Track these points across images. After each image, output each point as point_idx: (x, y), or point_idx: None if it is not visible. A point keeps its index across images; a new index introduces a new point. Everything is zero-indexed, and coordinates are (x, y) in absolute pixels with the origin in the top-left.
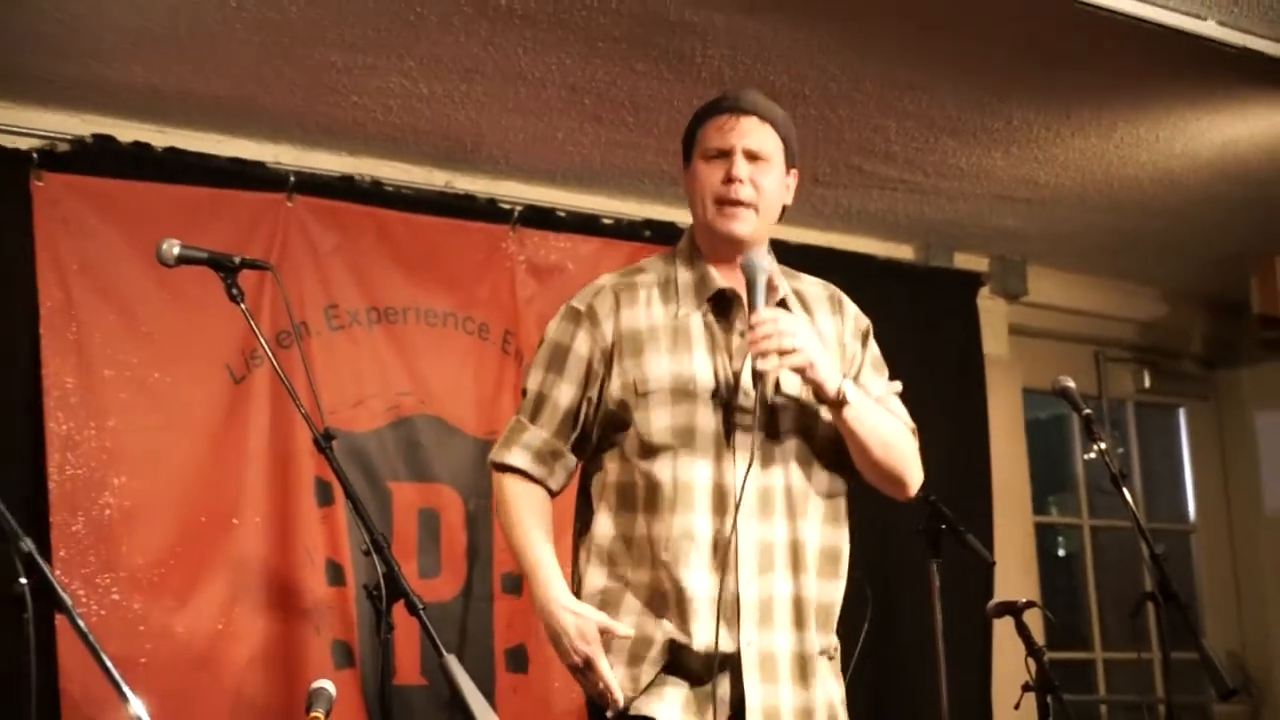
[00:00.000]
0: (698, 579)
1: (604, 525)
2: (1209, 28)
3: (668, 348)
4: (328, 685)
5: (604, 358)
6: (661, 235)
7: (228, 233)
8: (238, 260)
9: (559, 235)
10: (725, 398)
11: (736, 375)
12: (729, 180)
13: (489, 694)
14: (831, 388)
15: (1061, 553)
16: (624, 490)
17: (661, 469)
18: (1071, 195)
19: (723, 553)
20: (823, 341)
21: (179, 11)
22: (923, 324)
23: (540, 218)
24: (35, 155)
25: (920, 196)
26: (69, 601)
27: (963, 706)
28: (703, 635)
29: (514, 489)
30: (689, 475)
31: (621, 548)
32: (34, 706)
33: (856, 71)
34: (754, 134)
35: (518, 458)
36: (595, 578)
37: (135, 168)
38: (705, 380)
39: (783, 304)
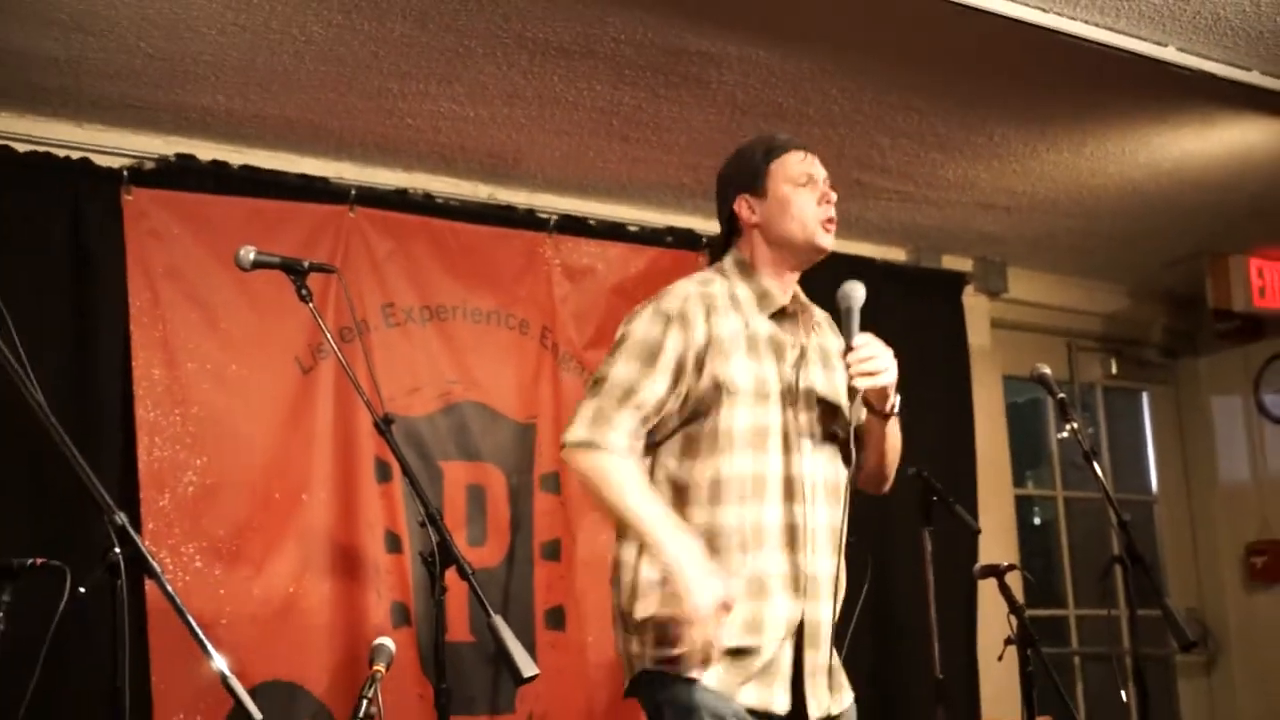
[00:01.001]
0: (773, 560)
1: (697, 517)
2: (1170, 53)
3: (747, 353)
4: (388, 642)
5: (696, 358)
6: (681, 241)
7: (296, 240)
8: (306, 264)
9: (590, 241)
10: (789, 400)
11: (794, 381)
12: (829, 201)
13: (530, 649)
14: (891, 403)
15: (1038, 521)
16: (701, 481)
17: (742, 462)
18: (1046, 203)
19: (793, 535)
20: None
21: (255, 46)
22: (913, 319)
23: (573, 226)
24: (125, 172)
25: (912, 205)
26: (158, 569)
27: (952, 658)
28: (779, 610)
29: (612, 461)
30: (763, 469)
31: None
32: (127, 663)
33: (855, 95)
34: (822, 169)
35: (616, 437)
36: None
37: (214, 183)
38: (775, 385)
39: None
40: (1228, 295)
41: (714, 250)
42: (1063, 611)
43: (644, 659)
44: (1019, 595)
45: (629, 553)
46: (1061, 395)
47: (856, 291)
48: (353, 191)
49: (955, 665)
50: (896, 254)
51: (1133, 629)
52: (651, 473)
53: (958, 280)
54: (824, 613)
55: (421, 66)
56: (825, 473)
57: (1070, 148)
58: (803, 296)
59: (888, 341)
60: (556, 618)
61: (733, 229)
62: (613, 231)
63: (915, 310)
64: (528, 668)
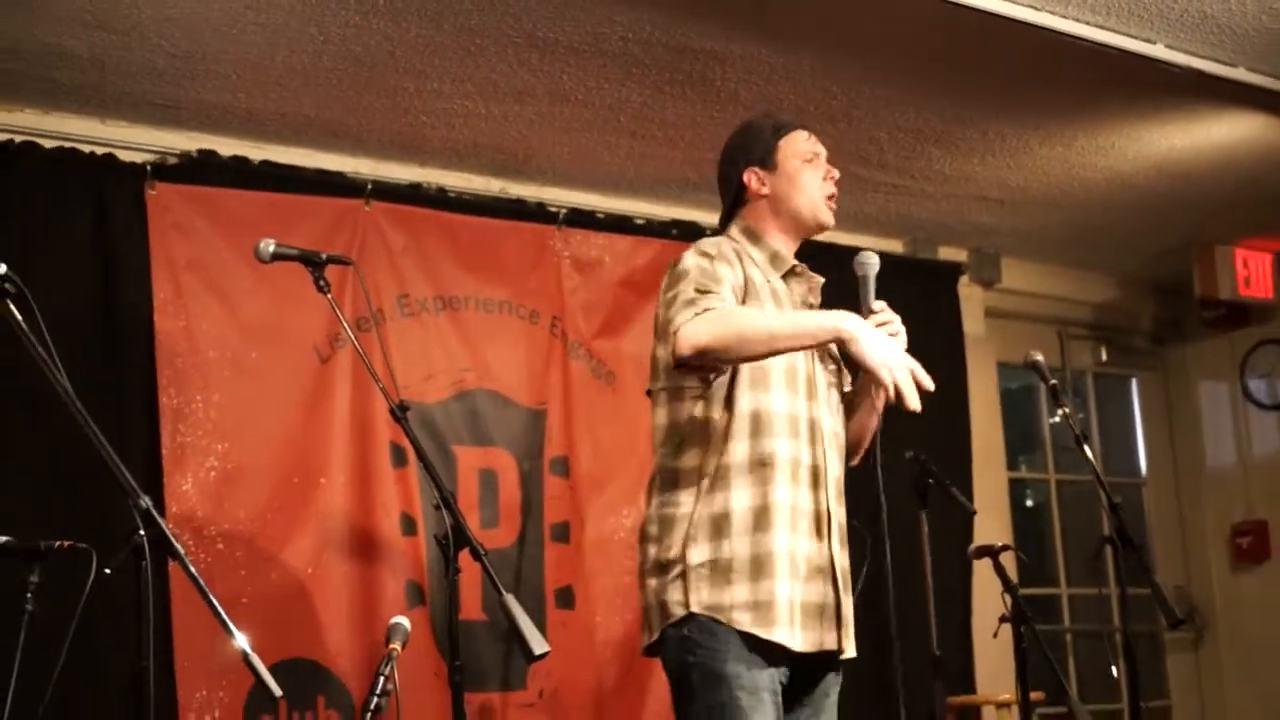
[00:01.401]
0: (805, 498)
1: (738, 450)
2: (1159, 50)
3: (771, 301)
4: (403, 621)
5: (741, 291)
6: (686, 233)
7: (314, 233)
8: (324, 256)
9: (598, 234)
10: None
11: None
12: (831, 179)
13: (540, 627)
14: None
15: (1030, 503)
16: (742, 419)
17: (779, 400)
18: (1039, 196)
19: (816, 477)
20: None
21: (275, 45)
22: (910, 308)
23: (582, 219)
24: (149, 168)
25: (908, 198)
26: (181, 550)
27: (948, 635)
28: (811, 546)
29: (727, 307)
30: (796, 410)
31: (749, 469)
32: (152, 640)
33: (853, 92)
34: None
35: (717, 300)
36: (740, 497)
37: (235, 178)
38: None
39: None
40: (1214, 284)
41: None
42: (1055, 590)
43: (690, 604)
44: (1013, 575)
45: (684, 503)
46: (1054, 382)
47: (872, 260)
48: (369, 186)
49: (951, 642)
50: (894, 245)
51: (1122, 607)
52: (676, 417)
53: (953, 271)
54: (846, 560)
55: (435, 65)
56: (835, 424)
57: (1062, 142)
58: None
59: None
60: (566, 597)
61: (738, 199)
62: (620, 224)
63: (912, 300)
64: (539, 645)
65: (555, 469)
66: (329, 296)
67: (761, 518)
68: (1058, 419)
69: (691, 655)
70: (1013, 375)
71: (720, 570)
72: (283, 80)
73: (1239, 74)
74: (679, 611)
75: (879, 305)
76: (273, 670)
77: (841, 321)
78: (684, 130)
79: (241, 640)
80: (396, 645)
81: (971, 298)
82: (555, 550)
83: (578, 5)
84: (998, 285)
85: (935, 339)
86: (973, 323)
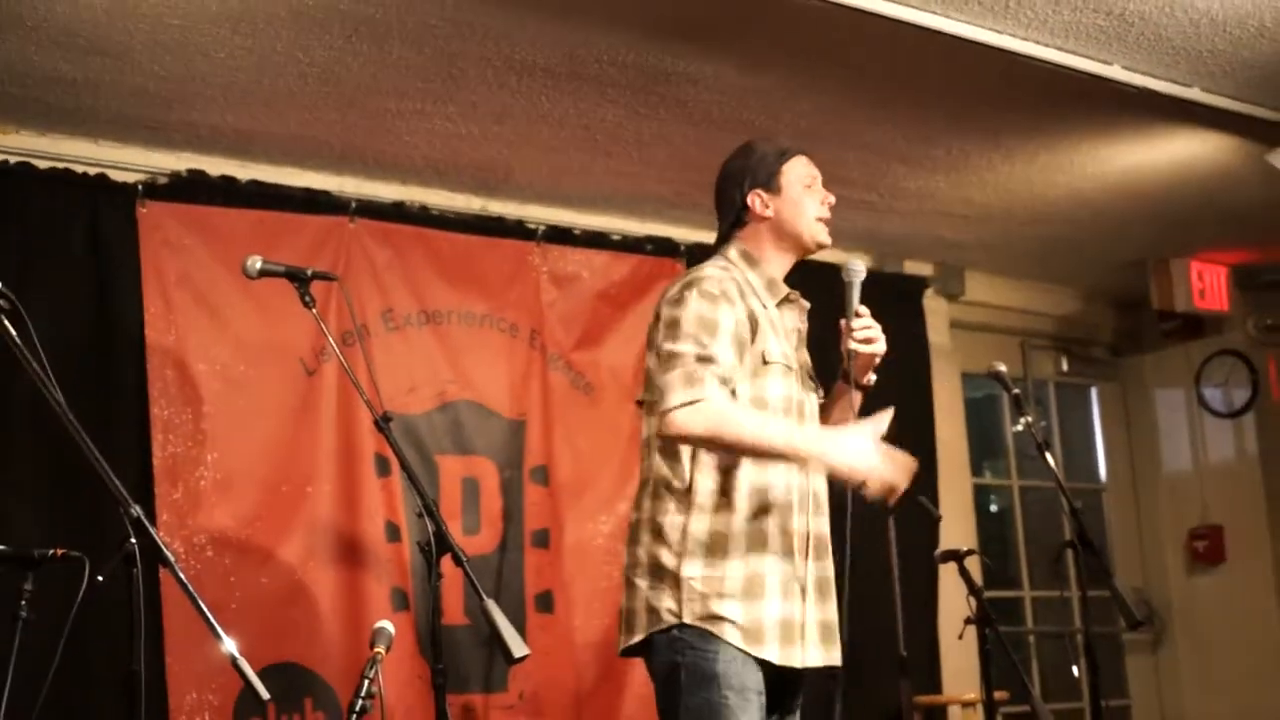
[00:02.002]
0: (799, 521)
1: (735, 473)
2: (1115, 71)
3: (773, 332)
4: (388, 625)
5: (748, 328)
6: (661, 248)
7: (300, 250)
8: (309, 272)
9: (575, 249)
10: (800, 378)
11: (802, 361)
12: (827, 203)
13: (520, 631)
14: (869, 377)
15: (994, 509)
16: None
17: None
18: (1001, 212)
19: (805, 499)
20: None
21: (261, 69)
22: (877, 320)
23: (560, 235)
24: (140, 187)
25: (875, 214)
26: (171, 558)
27: (915, 637)
28: (798, 566)
29: (721, 405)
30: None
31: (748, 494)
32: (143, 645)
33: (822, 112)
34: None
35: (712, 390)
36: (738, 519)
37: (223, 196)
38: (793, 362)
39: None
40: (1170, 297)
41: (718, 239)
42: (1018, 593)
43: (682, 615)
44: (977, 578)
45: (675, 514)
46: (1016, 391)
47: (858, 268)
48: (353, 204)
49: (918, 643)
50: (861, 260)
51: (1083, 609)
52: (675, 459)
53: (919, 284)
54: (828, 570)
55: (417, 87)
56: None
57: (1024, 160)
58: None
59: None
60: (546, 601)
61: (739, 220)
62: (596, 240)
63: (879, 312)
64: (519, 648)
65: (535, 477)
66: (314, 311)
67: (756, 540)
68: (1020, 427)
69: (681, 656)
70: (977, 385)
71: (714, 586)
72: (269, 102)
73: (1193, 94)
74: (670, 619)
75: (863, 310)
76: (261, 674)
77: (822, 447)
78: (658, 149)
79: (230, 645)
80: (381, 649)
81: (936, 310)
82: (535, 556)
83: (555, 29)
84: (962, 298)
85: (901, 350)
86: (938, 334)
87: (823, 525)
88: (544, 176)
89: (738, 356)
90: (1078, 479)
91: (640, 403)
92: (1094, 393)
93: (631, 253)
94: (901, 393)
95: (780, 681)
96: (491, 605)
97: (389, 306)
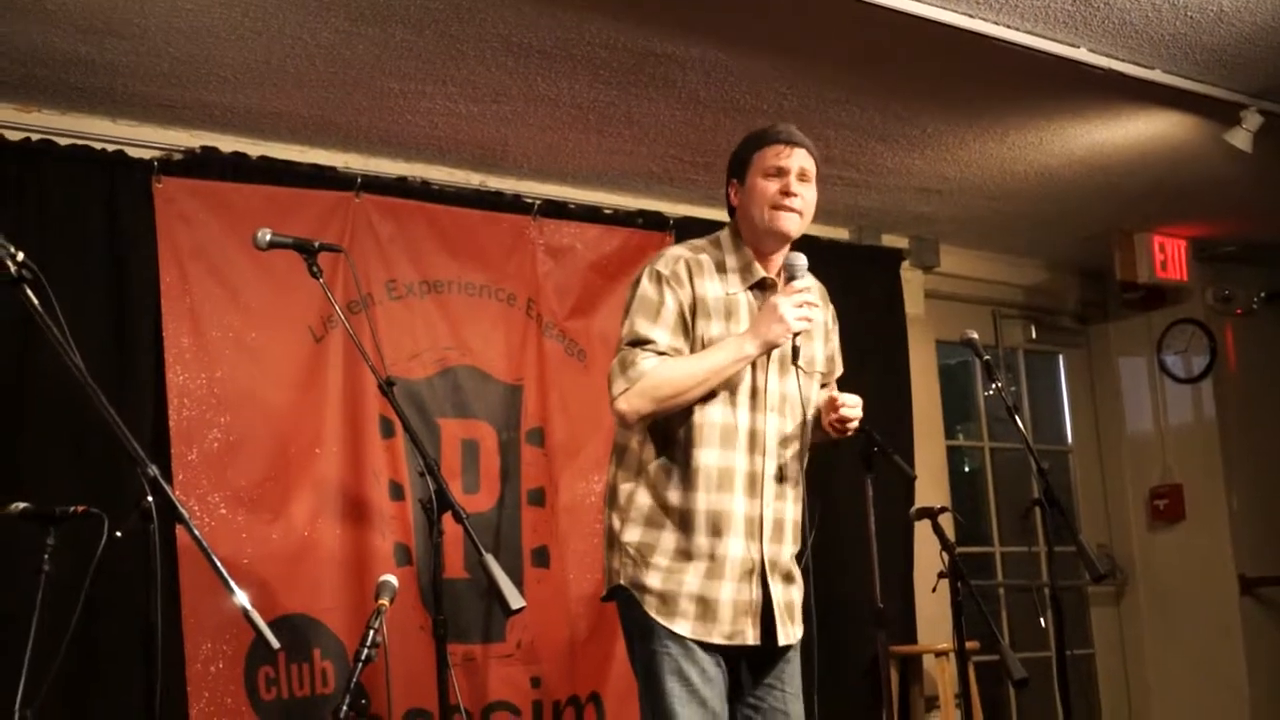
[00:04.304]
0: (737, 502)
1: (674, 452)
2: (1081, 54)
3: (725, 316)
4: (392, 579)
5: (690, 312)
6: (651, 222)
7: (308, 223)
8: (317, 245)
9: (570, 223)
10: (760, 363)
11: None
12: (788, 193)
13: (518, 584)
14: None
15: (966, 469)
16: (679, 424)
17: (713, 411)
18: (973, 188)
19: (753, 482)
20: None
21: (271, 50)
22: (856, 291)
23: (555, 209)
24: (155, 163)
25: (854, 189)
26: (187, 515)
27: (891, 590)
28: (739, 550)
29: (650, 371)
30: (732, 419)
31: (682, 472)
32: (159, 599)
33: (804, 93)
34: (804, 160)
35: (646, 365)
36: (672, 496)
37: (235, 172)
38: None
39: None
40: (1133, 268)
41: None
42: (989, 549)
43: (621, 576)
44: (950, 535)
45: (627, 483)
46: (987, 358)
47: (799, 260)
48: (358, 179)
49: (894, 596)
50: (841, 233)
51: (1050, 563)
52: (633, 430)
53: (895, 256)
54: (784, 553)
55: (419, 68)
56: (788, 429)
57: (994, 138)
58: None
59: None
60: (541, 556)
61: (730, 208)
62: (590, 214)
63: (858, 283)
64: (516, 600)
65: (531, 439)
66: (322, 281)
67: (685, 518)
68: (991, 392)
69: (631, 611)
70: (950, 352)
71: (643, 554)
72: (279, 82)
73: (1155, 75)
74: (615, 580)
75: (851, 400)
76: (271, 625)
77: (749, 337)
78: (648, 128)
79: (242, 598)
80: (385, 601)
81: (912, 281)
82: (532, 513)
83: (550, 13)
84: (936, 269)
85: (879, 319)
86: (913, 304)
87: (786, 511)
88: (540, 153)
89: (682, 336)
90: (1045, 441)
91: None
92: (1061, 359)
93: (623, 226)
94: (879, 359)
95: (756, 658)
96: (490, 560)
97: (392, 277)
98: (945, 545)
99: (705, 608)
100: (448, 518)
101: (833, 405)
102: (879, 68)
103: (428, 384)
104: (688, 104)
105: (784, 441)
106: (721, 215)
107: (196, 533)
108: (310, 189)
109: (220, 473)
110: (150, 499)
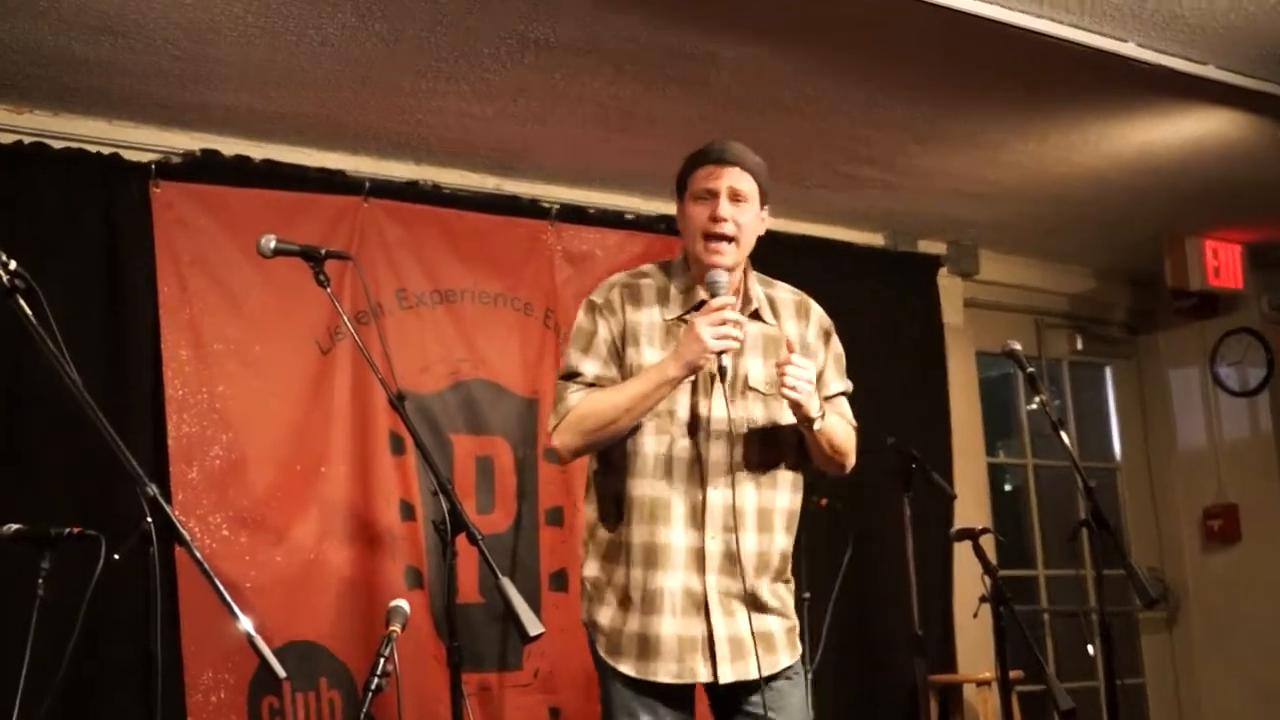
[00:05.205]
0: (677, 535)
1: (616, 484)
2: (1130, 48)
3: (660, 342)
4: (403, 604)
5: (620, 340)
6: (674, 228)
7: (314, 230)
8: (324, 252)
9: (590, 229)
10: (703, 389)
11: (713, 369)
12: (715, 219)
13: (535, 609)
14: (809, 416)
15: (1008, 487)
16: (619, 454)
17: (645, 443)
18: (1015, 190)
19: (696, 513)
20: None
21: (275, 48)
22: (892, 299)
23: (574, 214)
24: (153, 166)
25: (889, 192)
26: (188, 537)
27: (929, 615)
28: (675, 581)
29: (577, 406)
30: (667, 450)
31: (624, 505)
32: (159, 624)
33: (838, 90)
34: (736, 179)
35: (574, 399)
36: (615, 529)
37: (237, 176)
38: None
39: (756, 314)
40: (1184, 275)
41: None
42: (1033, 572)
43: (583, 613)
44: (992, 557)
45: (591, 516)
46: (1030, 370)
47: (718, 278)
48: (367, 183)
49: (933, 623)
50: (875, 239)
51: (1098, 587)
52: (590, 462)
53: (933, 263)
54: (746, 583)
55: (431, 65)
56: (747, 454)
57: (1037, 138)
58: (752, 289)
59: (867, 322)
60: (560, 580)
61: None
62: (611, 219)
63: (893, 292)
64: (534, 626)
65: (549, 456)
66: (329, 291)
67: (623, 552)
68: (1034, 406)
69: (591, 649)
70: (991, 364)
71: (598, 590)
72: (283, 81)
73: (1208, 71)
74: (581, 616)
75: (721, 303)
76: (276, 653)
77: (670, 361)
78: (674, 128)
79: (246, 623)
80: (396, 628)
81: (950, 289)
82: (550, 534)
83: (571, 6)
84: (976, 276)
85: (915, 329)
86: (952, 313)
87: (746, 541)
88: (558, 155)
89: (615, 365)
90: (1092, 458)
91: None
92: (1108, 371)
93: (645, 232)
94: (917, 372)
95: (727, 695)
96: (506, 583)
97: (403, 286)
98: (987, 568)
99: (645, 646)
100: (462, 539)
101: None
102: (916, 65)
103: (440, 398)
104: (718, 102)
105: (737, 468)
106: None
107: (198, 555)
108: (316, 193)
109: (222, 492)
110: (149, 520)
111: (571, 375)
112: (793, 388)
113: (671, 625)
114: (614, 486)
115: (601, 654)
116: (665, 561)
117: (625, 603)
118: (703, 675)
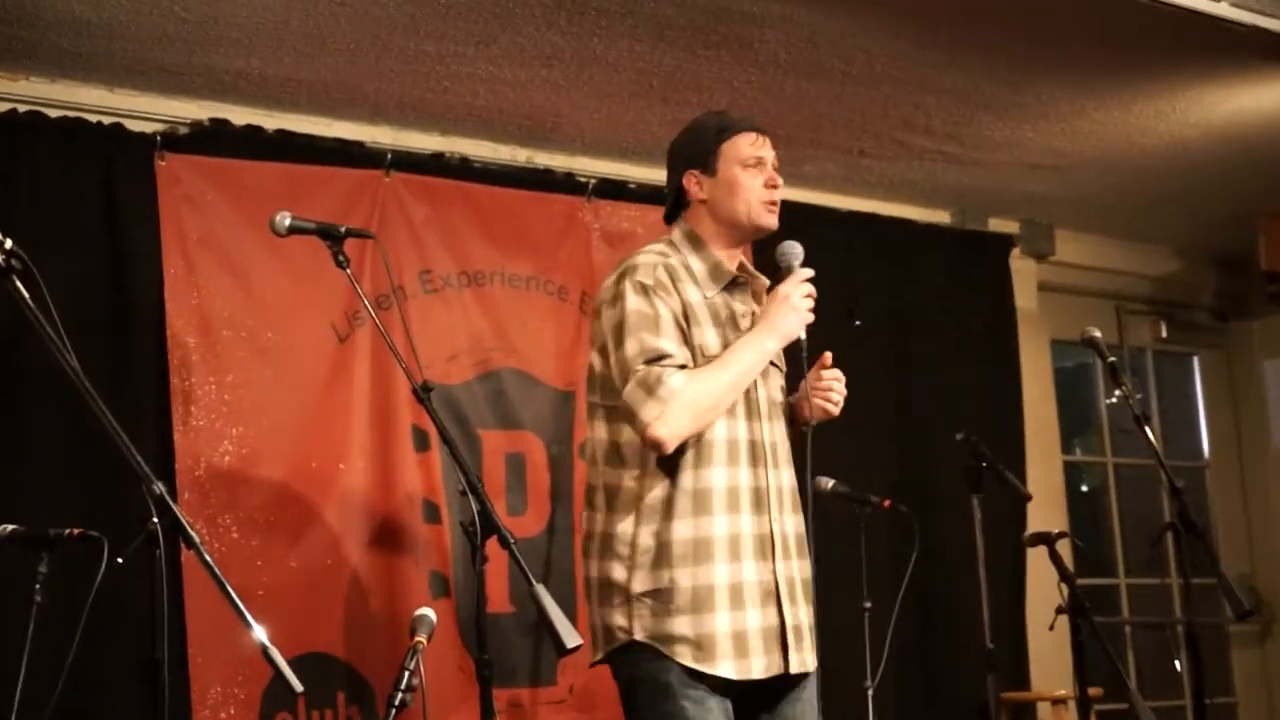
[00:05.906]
0: (746, 522)
1: (678, 479)
2: (1222, 8)
3: (711, 321)
4: (429, 613)
5: (684, 319)
6: None
7: (332, 206)
8: (343, 230)
9: (629, 205)
10: None
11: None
12: (773, 185)
13: (572, 619)
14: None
15: (1085, 488)
16: (697, 448)
17: (717, 429)
18: (1094, 163)
19: (759, 498)
20: None
21: (289, 7)
22: (960, 283)
23: (612, 189)
24: (158, 138)
25: (957, 166)
26: (197, 539)
27: (1000, 627)
28: (750, 572)
29: (680, 389)
30: (736, 434)
31: (690, 499)
32: (165, 632)
33: (899, 53)
34: (773, 151)
35: (674, 382)
36: (682, 528)
37: (248, 148)
38: None
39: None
40: None
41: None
42: (1113, 580)
43: (633, 632)
44: (1069, 564)
45: (625, 525)
46: (1111, 359)
47: (795, 249)
48: (389, 156)
49: (1004, 635)
50: (941, 216)
51: (1185, 597)
52: (616, 436)
53: (1004, 243)
54: (798, 571)
55: (458, 28)
56: (780, 435)
57: (1119, 106)
58: (750, 266)
59: (933, 306)
60: None
61: (679, 202)
62: (652, 195)
63: (961, 274)
64: (571, 638)
65: (586, 453)
66: (348, 272)
67: (701, 549)
68: (1115, 399)
69: (638, 669)
70: (1067, 353)
71: (663, 601)
72: (298, 45)
73: None
74: (623, 638)
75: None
76: (290, 665)
77: (766, 334)
78: (720, 96)
79: (260, 633)
80: (422, 638)
81: (1023, 271)
82: None
83: None
84: (1051, 258)
85: (985, 315)
86: (1025, 298)
87: (789, 525)
88: (595, 125)
89: (686, 347)
90: (1178, 455)
91: (590, 404)
92: (1196, 361)
93: None
94: (985, 362)
95: (766, 691)
96: (541, 591)
97: (427, 267)
98: (1063, 576)
99: (741, 643)
100: (492, 543)
101: (820, 370)
102: (984, 26)
103: (467, 389)
104: (766, 67)
105: (779, 449)
106: (799, 194)
107: (209, 559)
108: (334, 167)
109: (232, 491)
110: (155, 520)
111: (659, 357)
112: (836, 402)
113: (756, 618)
114: (681, 481)
115: (689, 664)
116: (744, 551)
117: (709, 602)
118: (778, 667)
